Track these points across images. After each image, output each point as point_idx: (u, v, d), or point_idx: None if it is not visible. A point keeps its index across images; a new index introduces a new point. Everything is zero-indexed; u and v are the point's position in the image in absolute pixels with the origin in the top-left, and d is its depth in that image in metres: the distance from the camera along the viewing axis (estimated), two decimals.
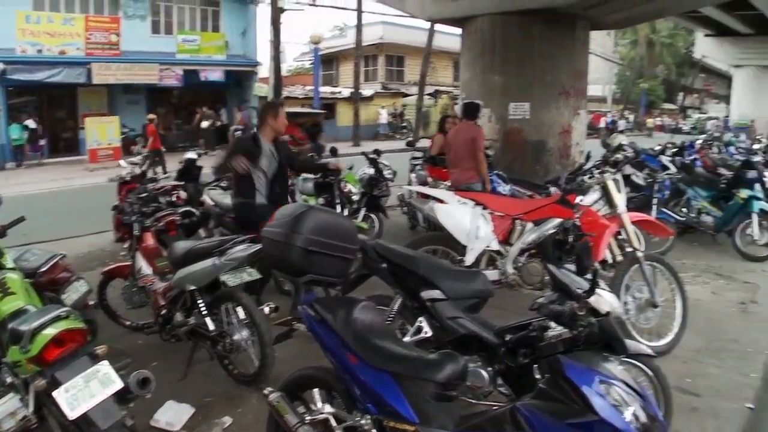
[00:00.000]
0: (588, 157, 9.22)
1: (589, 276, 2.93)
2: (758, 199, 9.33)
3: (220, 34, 29.47)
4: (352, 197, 8.49)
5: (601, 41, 47.60)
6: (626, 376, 2.58)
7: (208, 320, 4.72)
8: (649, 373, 3.54)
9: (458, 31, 12.76)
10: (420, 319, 3.78)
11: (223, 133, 25.31)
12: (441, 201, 6.22)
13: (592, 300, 2.78)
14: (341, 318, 2.94)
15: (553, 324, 2.92)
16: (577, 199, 5.79)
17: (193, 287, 4.82)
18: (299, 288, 3.15)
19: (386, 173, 9.80)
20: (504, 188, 8.95)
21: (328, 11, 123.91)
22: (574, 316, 2.74)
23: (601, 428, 2.34)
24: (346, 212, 7.91)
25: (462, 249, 5.91)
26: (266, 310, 4.56)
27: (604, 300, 2.87)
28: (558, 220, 5.75)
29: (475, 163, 7.96)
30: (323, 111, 22.00)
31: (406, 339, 3.75)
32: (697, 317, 6.32)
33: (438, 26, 25.08)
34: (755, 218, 9.18)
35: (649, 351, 3.43)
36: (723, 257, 9.17)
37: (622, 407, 2.40)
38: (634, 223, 5.99)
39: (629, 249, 5.65)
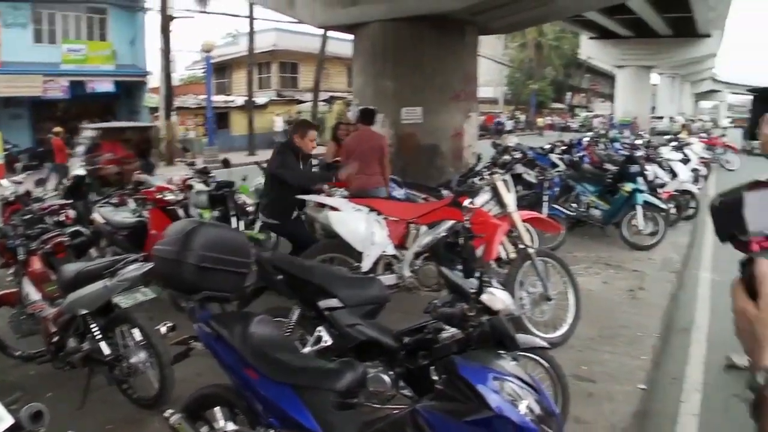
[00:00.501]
0: (479, 159, 9.48)
1: (476, 276, 3.03)
2: (641, 191, 9.86)
3: (107, 43, 28.52)
4: (247, 209, 8.35)
5: (491, 45, 48.93)
6: (519, 371, 2.69)
7: (102, 345, 4.51)
8: (545, 364, 3.68)
9: (351, 37, 12.84)
10: (319, 328, 3.78)
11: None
12: (335, 209, 6.24)
13: (483, 299, 2.88)
14: (238, 333, 2.92)
15: (446, 326, 3.00)
16: (467, 202, 5.91)
17: (85, 311, 4.58)
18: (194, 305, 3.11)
19: None
20: (399, 192, 9.03)
21: (219, 18, 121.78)
22: (465, 317, 2.83)
23: (498, 423, 2.42)
24: (242, 224, 7.76)
25: (358, 255, 5.93)
26: (163, 329, 4.45)
27: (497, 298, 2.96)
28: (450, 223, 5.83)
29: (381, 169, 8.03)
30: (152, 125, 21.09)
31: (307, 349, 3.75)
32: (590, 306, 6.61)
33: (331, 32, 25.17)
34: (639, 210, 9.70)
35: (543, 343, 3.58)
36: (612, 248, 9.63)
37: (516, 401, 2.50)
38: (525, 221, 6.20)
39: (521, 246, 5.83)
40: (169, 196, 7.13)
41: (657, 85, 56.08)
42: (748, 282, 0.98)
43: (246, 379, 2.86)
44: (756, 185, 1.03)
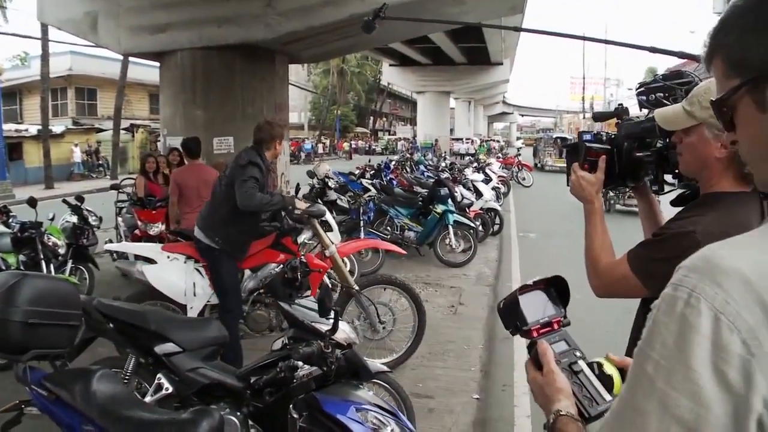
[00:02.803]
0: (297, 189, 9.54)
1: (331, 315, 3.07)
2: (452, 212, 10.42)
3: None
4: (58, 250, 7.77)
5: (295, 71, 49.33)
6: (377, 399, 2.76)
7: None
8: (389, 387, 3.79)
9: (154, 62, 12.45)
10: (158, 376, 3.59)
11: None
12: (150, 260, 5.81)
13: (335, 336, 2.93)
14: (80, 392, 2.73)
15: (300, 363, 3.00)
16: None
17: None
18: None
19: (91, 220, 9.17)
20: None
21: (5, 39, 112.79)
22: (323, 354, 2.85)
23: None
24: (52, 268, 7.22)
25: (183, 306, 5.62)
26: None
27: (344, 333, 3.02)
28: (273, 265, 5.72)
29: None
30: None
31: (148, 399, 3.57)
32: None
33: (133, 57, 24.13)
34: (451, 229, 10.26)
35: (385, 368, 3.68)
36: (429, 267, 10.04)
37: (380, 429, 2.56)
38: (367, 248, 6.26)
39: (344, 287, 5.89)
40: None
41: (454, 108, 59.29)
42: (535, 359, 1.27)
43: None
44: (524, 288, 1.34)
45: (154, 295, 5.69)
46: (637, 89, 2.32)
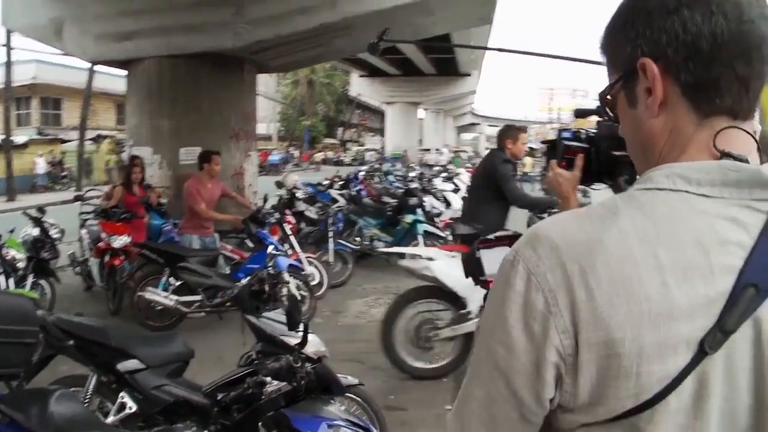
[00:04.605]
0: (266, 200, 9.49)
1: (300, 329, 3.00)
2: (421, 222, 10.41)
3: None
4: (17, 264, 7.54)
5: (264, 82, 49.14)
6: (349, 414, 2.69)
7: None
8: (361, 401, 3.72)
9: (121, 72, 12.28)
10: (121, 394, 3.50)
11: None
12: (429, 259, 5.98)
13: (311, 351, 2.87)
14: (36, 414, 2.59)
15: (268, 379, 2.92)
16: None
17: None
18: None
19: (53, 232, 8.94)
20: None
21: None
22: (292, 368, 2.79)
23: None
24: (11, 282, 7.02)
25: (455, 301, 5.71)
26: None
27: (314, 346, 2.97)
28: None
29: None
30: None
31: (110, 419, 3.46)
32: None
33: (99, 66, 23.79)
34: (421, 239, 10.20)
35: (355, 381, 3.62)
36: (399, 278, 9.93)
37: None
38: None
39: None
40: None
41: (423, 119, 59.54)
42: None
43: None
44: (485, 242, 1.32)
45: (431, 293, 5.89)
46: None
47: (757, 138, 0.92)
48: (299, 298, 7.35)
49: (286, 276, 7.22)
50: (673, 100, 0.90)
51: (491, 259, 1.38)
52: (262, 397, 2.90)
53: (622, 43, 0.94)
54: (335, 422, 2.56)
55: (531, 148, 37.42)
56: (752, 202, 0.84)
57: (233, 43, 10.38)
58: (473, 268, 1.37)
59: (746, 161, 0.87)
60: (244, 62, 11.47)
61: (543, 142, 2.08)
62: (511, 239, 1.44)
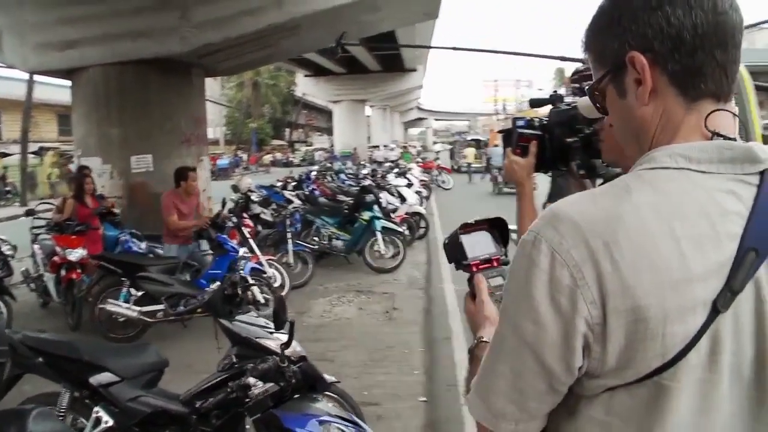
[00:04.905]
0: (224, 204, 9.43)
1: (285, 329, 3.01)
2: (378, 218, 10.44)
3: None
4: None
5: (209, 85, 48.39)
6: (336, 410, 2.72)
7: None
8: (339, 398, 3.74)
9: (63, 81, 12.00)
10: (96, 409, 3.41)
11: None
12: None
13: (288, 351, 2.88)
14: None
15: (252, 380, 2.91)
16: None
17: None
18: None
19: (5, 249, 8.72)
20: (140, 246, 8.64)
21: None
22: (279, 369, 2.79)
23: None
24: None
25: None
26: None
27: (290, 347, 2.97)
28: None
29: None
30: None
31: None
32: (353, 333, 6.90)
33: (39, 77, 23.17)
34: (379, 236, 10.26)
35: (333, 378, 3.64)
36: (359, 275, 10.03)
37: None
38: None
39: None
40: None
41: (370, 116, 59.56)
42: (472, 292, 1.43)
43: None
44: (466, 227, 1.50)
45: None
46: (571, 77, 2.40)
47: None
48: (263, 301, 7.34)
49: (250, 279, 7.19)
50: (662, 88, 1.00)
51: (472, 243, 1.45)
52: (246, 400, 2.90)
53: (608, 40, 1.03)
54: (325, 419, 2.58)
55: (476, 140, 38.21)
56: (744, 176, 0.95)
57: (180, 47, 10.25)
58: (455, 253, 1.43)
59: (735, 140, 0.98)
60: (192, 66, 11.35)
61: (499, 131, 2.14)
62: (490, 223, 1.51)
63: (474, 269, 1.45)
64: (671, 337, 0.89)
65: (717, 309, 0.89)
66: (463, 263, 1.46)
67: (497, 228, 1.54)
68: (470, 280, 1.45)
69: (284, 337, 3.29)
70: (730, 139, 0.98)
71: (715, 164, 0.95)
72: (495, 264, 1.47)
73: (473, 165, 31.67)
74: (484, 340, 1.27)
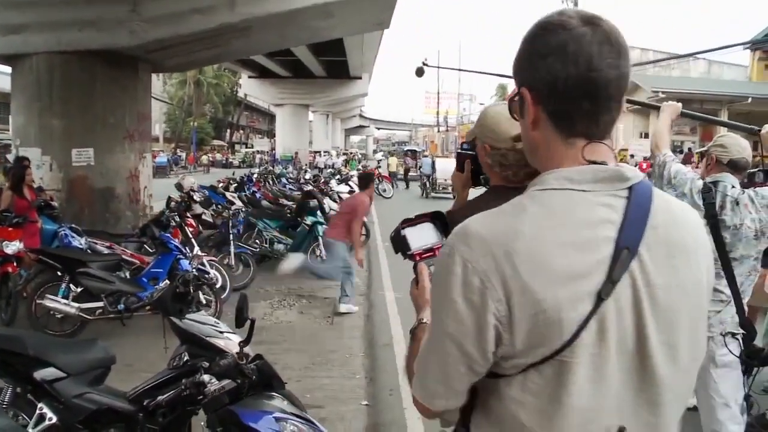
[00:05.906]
0: (168, 203, 9.33)
1: (246, 326, 3.04)
2: (321, 223, 10.48)
3: None
4: None
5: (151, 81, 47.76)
6: (291, 407, 2.76)
7: None
8: (292, 396, 3.77)
9: (3, 67, 11.67)
10: (40, 405, 3.34)
11: None
12: None
13: (246, 349, 2.91)
14: None
15: (207, 378, 2.91)
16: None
17: None
18: None
19: None
20: (80, 242, 8.46)
21: None
22: (238, 366, 2.82)
23: None
24: None
25: None
26: None
27: (237, 347, 3.00)
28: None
29: None
30: None
31: None
32: (295, 337, 6.93)
33: None
34: (321, 240, 10.24)
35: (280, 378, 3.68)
36: (300, 279, 9.99)
37: None
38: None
39: None
40: None
41: (312, 121, 59.43)
42: (416, 278, 1.59)
43: None
44: (407, 222, 1.68)
45: None
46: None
47: (614, 149, 1.27)
48: (204, 302, 7.28)
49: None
50: (543, 121, 1.23)
51: (415, 235, 1.63)
52: (200, 397, 2.91)
53: (517, 72, 1.26)
54: (281, 416, 2.62)
55: (412, 150, 39.91)
56: (616, 191, 1.17)
57: (129, 41, 10.12)
58: (400, 245, 1.60)
59: (606, 164, 1.20)
60: (139, 61, 11.21)
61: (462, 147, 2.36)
62: (430, 216, 1.69)
63: (417, 258, 1.61)
64: (567, 322, 1.09)
65: (601, 297, 1.10)
66: (408, 253, 1.63)
67: (438, 219, 1.71)
68: (415, 268, 1.61)
69: (235, 338, 3.33)
70: (603, 165, 1.19)
71: (592, 183, 1.17)
72: (436, 253, 1.61)
73: (392, 172, 33.81)
74: (424, 321, 1.45)
